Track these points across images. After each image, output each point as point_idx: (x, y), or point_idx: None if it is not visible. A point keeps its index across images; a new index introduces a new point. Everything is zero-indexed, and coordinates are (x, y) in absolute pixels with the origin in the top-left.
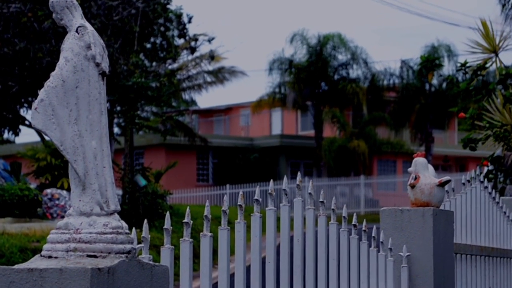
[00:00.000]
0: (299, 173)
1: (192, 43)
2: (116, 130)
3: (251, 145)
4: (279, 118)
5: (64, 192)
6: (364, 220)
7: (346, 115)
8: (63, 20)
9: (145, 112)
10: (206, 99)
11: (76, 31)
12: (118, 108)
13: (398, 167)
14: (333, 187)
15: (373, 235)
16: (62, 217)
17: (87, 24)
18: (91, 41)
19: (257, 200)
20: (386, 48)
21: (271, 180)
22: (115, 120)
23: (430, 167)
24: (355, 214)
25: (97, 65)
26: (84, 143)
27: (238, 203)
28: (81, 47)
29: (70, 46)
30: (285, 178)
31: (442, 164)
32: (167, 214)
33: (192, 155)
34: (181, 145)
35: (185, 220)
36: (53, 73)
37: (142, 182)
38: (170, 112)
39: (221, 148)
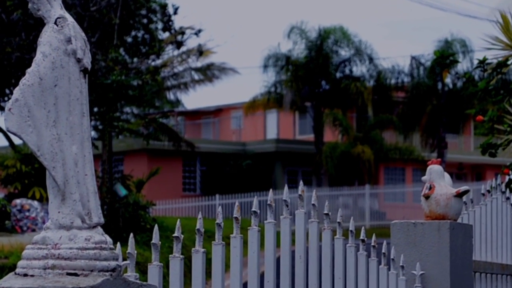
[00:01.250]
0: (301, 182)
1: (178, 37)
2: (92, 133)
3: (243, 150)
4: (275, 121)
5: (36, 203)
6: (374, 235)
7: (349, 118)
8: (40, 11)
9: (125, 114)
10: (194, 99)
11: (55, 23)
12: (96, 109)
13: (407, 176)
14: (335, 197)
15: (383, 251)
16: (33, 230)
17: (67, 15)
18: (72, 34)
19: (255, 212)
20: (394, 43)
21: (271, 190)
22: (92, 123)
23: (447, 176)
24: (363, 228)
25: (78, 61)
26: (63, 148)
27: (234, 215)
28: (61, 40)
29: (48, 39)
30: (285, 187)
31: (457, 172)
32: (155, 227)
33: (177, 162)
34: (165, 151)
35: (175, 234)
36: (29, 70)
37: (122, 191)
38: (153, 113)
39: (209, 154)
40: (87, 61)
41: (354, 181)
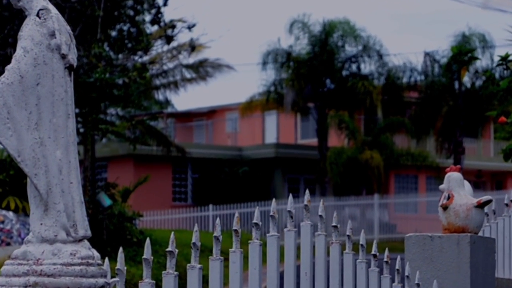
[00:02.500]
0: (307, 191)
1: (168, 31)
2: None
3: (239, 156)
4: (274, 123)
5: (11, 214)
6: (386, 249)
7: (356, 120)
8: (21, 2)
9: (110, 116)
10: (185, 99)
11: (37, 15)
12: (77, 111)
13: (421, 184)
14: (341, 208)
15: (396, 267)
16: (8, 244)
17: (51, 7)
18: (56, 28)
19: (256, 224)
20: (406, 38)
21: (273, 200)
22: None
23: (467, 184)
24: (374, 241)
25: (63, 57)
26: (46, 154)
27: (234, 228)
28: (43, 34)
29: (29, 33)
30: (290, 197)
31: (475, 180)
32: (147, 240)
33: (167, 169)
34: (154, 157)
35: (169, 249)
36: (8, 67)
37: (106, 201)
38: (140, 115)
39: (202, 160)
40: (72, 57)
41: (361, 190)
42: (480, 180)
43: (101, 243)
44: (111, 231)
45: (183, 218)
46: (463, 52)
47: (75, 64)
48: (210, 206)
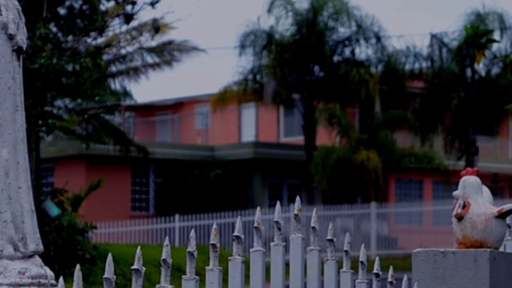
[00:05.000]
0: (297, 198)
1: (127, 8)
2: None
3: (211, 157)
4: (253, 118)
5: None
6: (391, 267)
7: (350, 114)
8: None
9: (57, 109)
10: (147, 90)
11: None
12: None
13: (426, 191)
14: (331, 219)
15: None
16: None
17: None
18: (2, 3)
19: (238, 237)
20: (409, 17)
21: (258, 209)
22: None
23: (486, 190)
24: (377, 258)
25: (11, 37)
26: None
27: (211, 242)
28: None
29: None
30: (277, 205)
31: (491, 185)
32: (109, 257)
33: (125, 172)
34: (109, 157)
35: (135, 267)
36: None
37: (53, 211)
38: (93, 108)
39: (167, 162)
40: (21, 38)
41: (356, 197)
42: (496, 185)
43: (48, 259)
44: (59, 246)
45: (144, 230)
46: (479, 33)
47: (24, 46)
48: (177, 216)
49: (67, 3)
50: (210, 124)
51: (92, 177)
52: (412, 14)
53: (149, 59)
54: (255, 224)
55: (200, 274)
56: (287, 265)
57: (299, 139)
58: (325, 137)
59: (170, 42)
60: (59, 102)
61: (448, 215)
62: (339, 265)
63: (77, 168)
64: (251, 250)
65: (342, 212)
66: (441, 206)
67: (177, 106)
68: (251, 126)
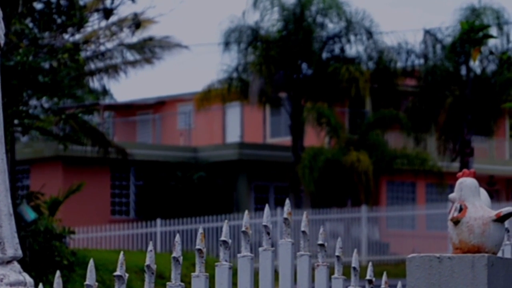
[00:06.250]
0: (287, 201)
1: (107, 2)
2: None
3: (194, 159)
4: (238, 118)
5: None
6: (384, 273)
7: (339, 114)
8: None
9: (33, 108)
10: (127, 88)
11: None
12: None
13: (419, 193)
14: (320, 223)
15: None
16: None
17: None
18: None
19: (225, 242)
20: (402, 12)
21: (246, 212)
22: None
23: (483, 193)
24: (370, 264)
25: None
26: None
27: (197, 247)
28: None
29: None
30: (266, 208)
31: (486, 188)
32: (91, 263)
33: (104, 175)
34: (88, 159)
35: (118, 273)
36: None
37: (29, 215)
38: (71, 107)
39: (148, 164)
40: None
41: (346, 200)
42: (492, 188)
43: (24, 266)
44: (35, 252)
45: (124, 235)
46: (476, 29)
47: (2, 43)
48: (158, 221)
49: None
50: (193, 124)
51: (69, 179)
52: (405, 9)
53: (130, 56)
54: (243, 228)
55: (184, 281)
56: (276, 271)
57: (286, 139)
58: (313, 137)
59: (151, 39)
60: (35, 101)
61: (442, 219)
62: (331, 271)
63: (54, 171)
64: (238, 255)
65: (331, 216)
66: (434, 210)
67: (159, 105)
68: (236, 126)
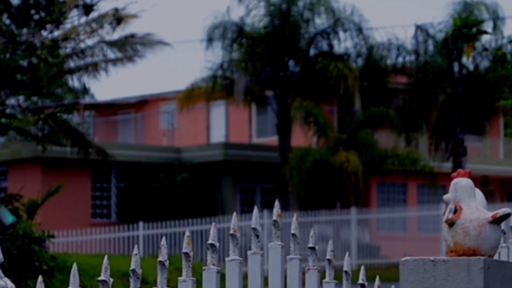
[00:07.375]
0: (276, 203)
1: None
2: None
3: (177, 159)
4: (223, 117)
5: None
6: (377, 278)
7: (327, 112)
8: None
9: (11, 108)
10: (108, 87)
11: None
12: None
13: (411, 195)
14: (308, 225)
15: None
16: None
17: None
18: None
19: (212, 245)
20: (392, 7)
21: (234, 214)
22: None
23: (479, 194)
24: (362, 268)
25: None
26: None
27: (184, 250)
28: None
29: None
30: (255, 210)
31: (480, 188)
32: (74, 268)
33: (84, 176)
34: (67, 160)
35: (102, 278)
36: None
37: (7, 218)
38: (49, 107)
39: (130, 165)
40: None
41: (335, 202)
42: (486, 188)
43: (2, 271)
44: (14, 256)
45: (105, 239)
46: (469, 24)
47: None
48: (141, 224)
49: None
50: (177, 124)
51: (48, 181)
52: (395, 3)
53: (110, 53)
54: (231, 231)
55: (168, 286)
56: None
57: (273, 139)
58: (301, 137)
59: (132, 36)
60: (12, 100)
61: (434, 221)
62: (322, 275)
63: (32, 172)
64: (227, 259)
65: (320, 219)
66: (426, 212)
67: (141, 104)
68: (220, 125)
